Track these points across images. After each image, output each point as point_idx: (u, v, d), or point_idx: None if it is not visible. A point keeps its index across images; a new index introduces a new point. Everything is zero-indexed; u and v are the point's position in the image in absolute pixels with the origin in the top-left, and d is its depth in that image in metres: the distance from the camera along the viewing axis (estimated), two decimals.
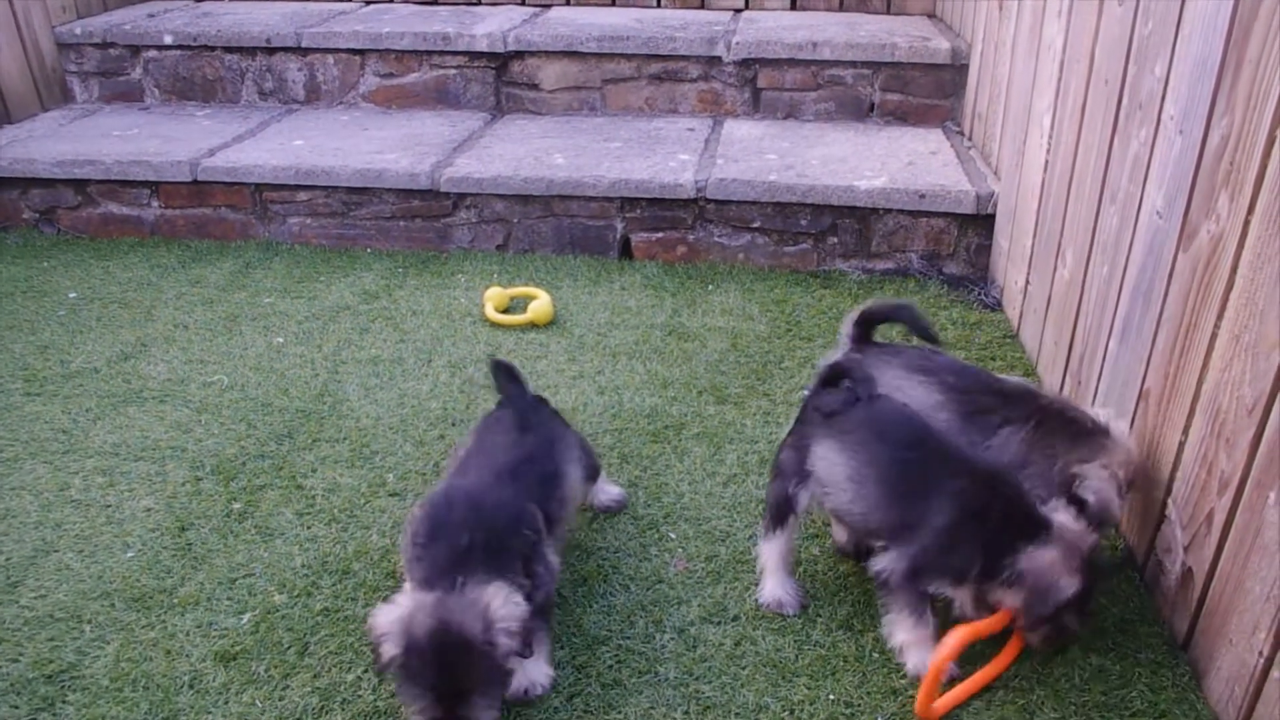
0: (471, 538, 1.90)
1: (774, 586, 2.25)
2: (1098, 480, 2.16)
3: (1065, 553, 1.98)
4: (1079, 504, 2.11)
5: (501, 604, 1.81)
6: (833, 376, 2.24)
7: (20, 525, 2.52)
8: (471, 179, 3.99)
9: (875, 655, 2.12)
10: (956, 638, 1.95)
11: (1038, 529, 2.00)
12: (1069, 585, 1.97)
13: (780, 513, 2.22)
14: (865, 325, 2.51)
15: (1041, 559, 1.98)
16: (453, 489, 2.06)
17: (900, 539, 2.06)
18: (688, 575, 2.36)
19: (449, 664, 1.75)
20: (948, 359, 2.49)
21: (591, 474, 2.44)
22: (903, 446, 2.10)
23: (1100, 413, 2.26)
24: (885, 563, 2.08)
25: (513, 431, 2.23)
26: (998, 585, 2.01)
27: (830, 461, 2.15)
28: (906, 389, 2.34)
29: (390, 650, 1.76)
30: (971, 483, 2.04)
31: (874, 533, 2.13)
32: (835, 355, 2.46)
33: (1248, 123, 1.86)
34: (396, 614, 1.79)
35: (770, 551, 2.25)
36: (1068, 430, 2.24)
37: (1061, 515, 2.03)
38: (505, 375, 2.38)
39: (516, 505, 2.03)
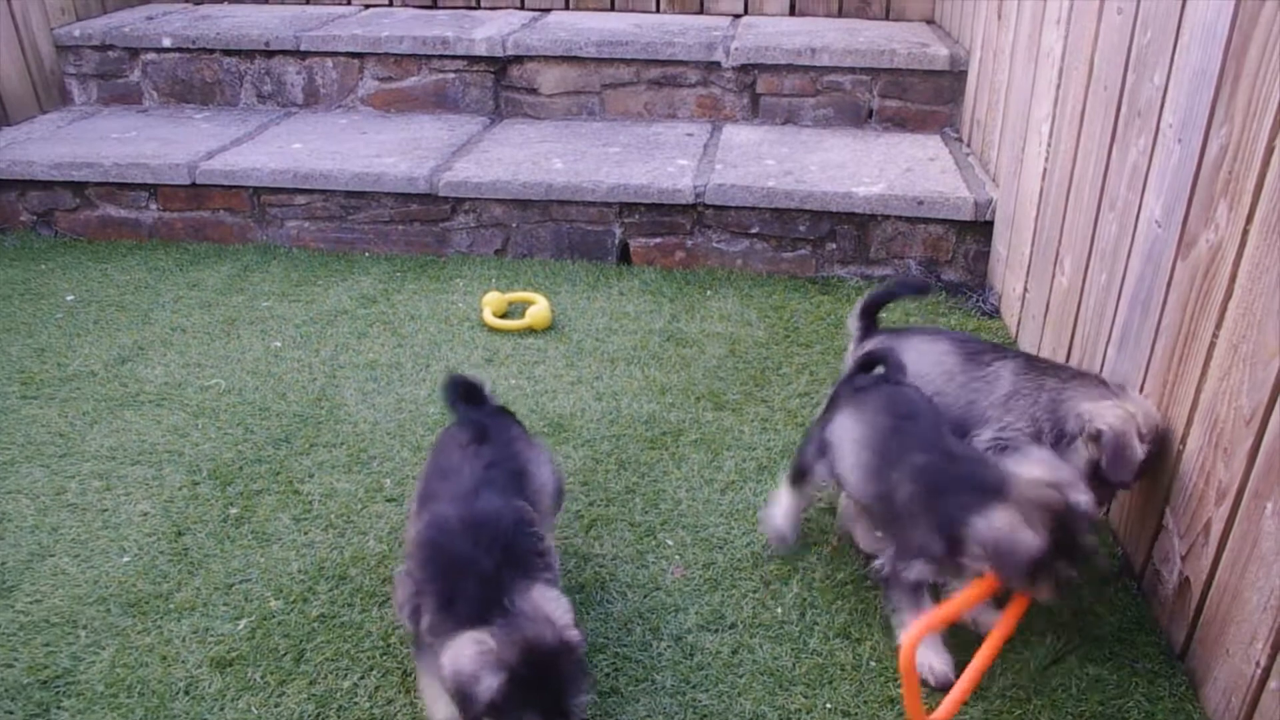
0: (489, 555, 1.87)
1: (781, 518, 2.40)
2: (1113, 416, 2.16)
3: (1023, 508, 1.89)
4: (1094, 438, 2.16)
5: (555, 606, 1.81)
6: (869, 363, 2.39)
7: (16, 529, 2.51)
8: (470, 183, 3.99)
9: (872, 664, 2.12)
10: (916, 628, 1.90)
11: (988, 494, 1.93)
12: (1033, 541, 1.86)
13: (798, 474, 2.39)
14: (869, 315, 2.73)
15: (991, 524, 1.90)
16: (439, 519, 1.99)
17: (886, 525, 2.13)
18: (685, 582, 2.36)
19: (553, 682, 1.75)
20: (956, 331, 2.88)
21: (559, 494, 2.35)
22: (896, 417, 2.20)
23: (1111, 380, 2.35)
24: (882, 558, 2.13)
25: (471, 441, 2.17)
26: (969, 560, 1.95)
27: (842, 426, 2.27)
28: (922, 349, 2.57)
29: (490, 685, 1.72)
30: (931, 459, 2.08)
31: (869, 509, 2.22)
32: (867, 345, 2.63)
33: (1247, 132, 1.86)
34: (474, 650, 1.75)
35: (786, 497, 2.41)
36: (1061, 372, 2.39)
37: (1023, 467, 1.96)
38: (457, 393, 2.30)
39: (510, 508, 2.01)
